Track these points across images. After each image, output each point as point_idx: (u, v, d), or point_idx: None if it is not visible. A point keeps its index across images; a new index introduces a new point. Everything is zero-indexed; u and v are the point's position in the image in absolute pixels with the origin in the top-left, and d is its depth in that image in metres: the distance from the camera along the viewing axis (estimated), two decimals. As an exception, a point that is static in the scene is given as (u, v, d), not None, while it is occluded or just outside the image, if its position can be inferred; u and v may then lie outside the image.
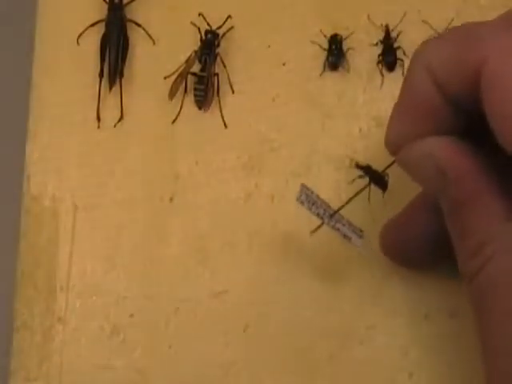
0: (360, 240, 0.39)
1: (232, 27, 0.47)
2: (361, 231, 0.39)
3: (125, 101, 0.46)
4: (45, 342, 0.44)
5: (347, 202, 0.39)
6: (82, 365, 0.43)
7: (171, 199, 0.45)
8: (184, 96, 0.46)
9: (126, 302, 0.44)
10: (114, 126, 0.46)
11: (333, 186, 0.43)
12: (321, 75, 0.46)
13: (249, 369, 0.42)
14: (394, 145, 0.35)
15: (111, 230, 0.45)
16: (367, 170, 0.39)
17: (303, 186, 0.39)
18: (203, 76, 0.46)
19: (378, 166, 0.39)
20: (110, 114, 0.46)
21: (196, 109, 0.46)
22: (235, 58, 0.47)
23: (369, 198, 0.40)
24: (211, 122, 0.46)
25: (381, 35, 0.46)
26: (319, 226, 0.39)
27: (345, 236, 0.39)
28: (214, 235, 0.44)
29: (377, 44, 0.46)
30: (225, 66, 0.47)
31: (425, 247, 0.38)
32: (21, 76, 0.47)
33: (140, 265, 0.44)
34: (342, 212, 0.39)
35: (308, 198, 0.39)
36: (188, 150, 0.46)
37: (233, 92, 0.46)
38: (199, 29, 0.47)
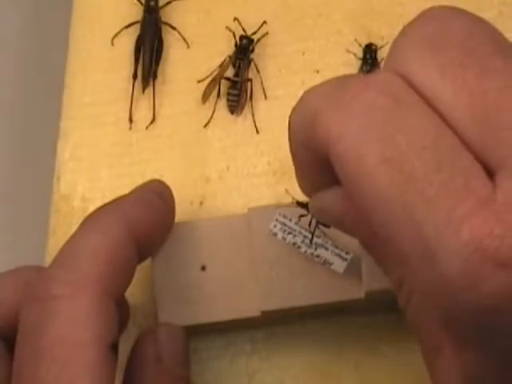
0: (343, 264, 0.37)
1: (267, 33, 0.47)
2: (347, 253, 0.37)
3: (157, 103, 0.46)
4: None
5: (313, 232, 0.37)
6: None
7: (201, 203, 0.45)
8: (217, 100, 0.46)
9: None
10: (146, 128, 0.46)
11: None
12: (354, 84, 0.46)
13: None
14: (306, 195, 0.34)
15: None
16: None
17: (279, 213, 0.38)
18: (237, 81, 0.46)
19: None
20: (143, 115, 0.46)
21: (228, 113, 0.46)
22: (269, 64, 0.47)
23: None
24: (243, 127, 0.46)
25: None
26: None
27: (325, 262, 0.37)
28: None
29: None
30: (258, 72, 0.47)
31: None
32: (54, 75, 0.47)
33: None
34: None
35: (283, 227, 0.38)
36: (219, 154, 0.46)
37: (266, 98, 0.46)
38: (234, 34, 0.47)
